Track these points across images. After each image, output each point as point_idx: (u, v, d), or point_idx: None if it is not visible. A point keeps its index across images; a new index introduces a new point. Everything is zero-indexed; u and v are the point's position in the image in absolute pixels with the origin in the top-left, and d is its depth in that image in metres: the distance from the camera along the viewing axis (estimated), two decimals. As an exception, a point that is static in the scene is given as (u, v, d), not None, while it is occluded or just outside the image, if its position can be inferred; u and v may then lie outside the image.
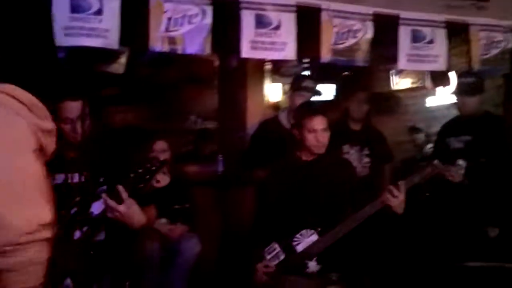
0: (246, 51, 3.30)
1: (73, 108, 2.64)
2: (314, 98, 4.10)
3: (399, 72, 6.68)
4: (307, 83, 4.00)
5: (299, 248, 2.99)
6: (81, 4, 3.04)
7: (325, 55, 3.45)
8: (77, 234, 2.53)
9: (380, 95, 7.08)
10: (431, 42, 3.62)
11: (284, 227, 3.05)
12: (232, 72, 4.37)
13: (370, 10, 3.49)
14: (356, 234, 2.97)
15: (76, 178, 2.61)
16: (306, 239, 2.98)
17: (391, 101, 7.03)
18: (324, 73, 6.46)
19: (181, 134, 6.17)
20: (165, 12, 3.16)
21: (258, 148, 4.01)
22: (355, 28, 3.46)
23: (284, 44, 3.35)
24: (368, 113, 4.37)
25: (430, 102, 6.76)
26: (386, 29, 3.57)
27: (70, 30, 3.05)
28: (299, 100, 3.73)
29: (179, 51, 3.21)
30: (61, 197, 2.51)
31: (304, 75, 4.71)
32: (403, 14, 3.54)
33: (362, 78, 6.44)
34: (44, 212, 1.51)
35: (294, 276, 2.96)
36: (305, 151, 3.12)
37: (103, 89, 5.47)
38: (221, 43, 3.40)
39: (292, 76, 4.55)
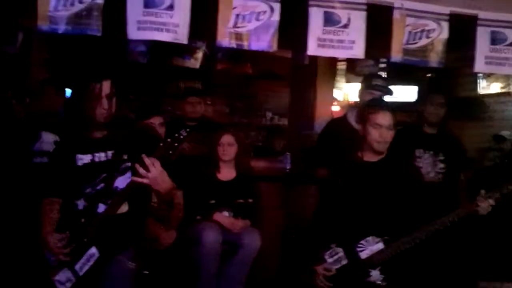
0: (313, 49, 3.26)
1: (103, 87, 2.72)
2: (385, 98, 4.01)
3: (487, 76, 6.39)
4: (378, 82, 3.95)
5: (363, 255, 2.92)
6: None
7: (396, 55, 3.35)
8: (101, 207, 2.68)
9: (464, 99, 6.79)
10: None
11: (348, 232, 2.99)
12: (302, 69, 4.35)
13: (446, 10, 3.34)
14: (425, 246, 2.87)
15: (102, 156, 2.72)
16: (371, 247, 2.91)
17: (476, 106, 6.70)
18: (403, 74, 6.33)
19: (256, 129, 6.25)
20: (234, 8, 3.20)
21: (325, 147, 3.98)
22: (429, 28, 3.33)
23: (353, 43, 3.28)
24: (445, 117, 4.19)
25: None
26: (463, 30, 3.41)
27: (142, 25, 3.16)
28: (368, 98, 3.67)
29: (245, 47, 3.23)
30: (88, 175, 2.69)
31: (376, 74, 4.61)
32: (482, 14, 3.37)
33: (444, 81, 6.22)
34: None
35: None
36: (367, 151, 3.05)
37: (181, 82, 5.69)
38: (289, 40, 3.39)
39: (365, 75, 4.48)
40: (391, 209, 2.95)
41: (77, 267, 2.67)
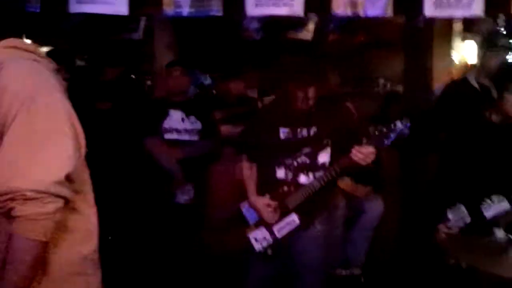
0: (430, 10, 3.24)
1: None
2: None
3: None
4: (502, 42, 3.80)
5: (488, 214, 2.90)
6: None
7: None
8: (302, 178, 2.92)
9: None
10: None
11: (472, 191, 2.98)
12: (417, 33, 4.28)
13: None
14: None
15: (304, 132, 2.94)
16: (496, 206, 2.89)
17: None
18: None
19: (371, 97, 6.18)
20: (347, -24, 3.25)
21: (445, 110, 3.91)
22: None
23: (472, 0, 3.21)
24: None
25: None
26: None
27: (260, 1, 3.30)
28: (493, 60, 3.56)
29: (361, 15, 3.27)
30: (288, 147, 2.93)
31: (499, 32, 4.41)
32: None
33: None
34: (62, 167, 1.44)
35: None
36: (497, 113, 3.00)
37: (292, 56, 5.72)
38: (404, 4, 3.37)
39: (485, 34, 4.31)
40: None
41: (275, 228, 2.94)
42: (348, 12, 3.29)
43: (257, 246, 2.96)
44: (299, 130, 2.93)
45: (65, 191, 1.45)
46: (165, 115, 4.02)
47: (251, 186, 3.06)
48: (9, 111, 1.40)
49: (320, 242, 2.97)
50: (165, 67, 4.25)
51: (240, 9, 3.30)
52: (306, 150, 2.92)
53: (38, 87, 1.47)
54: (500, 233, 2.83)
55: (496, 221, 2.87)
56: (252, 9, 3.28)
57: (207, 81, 6.45)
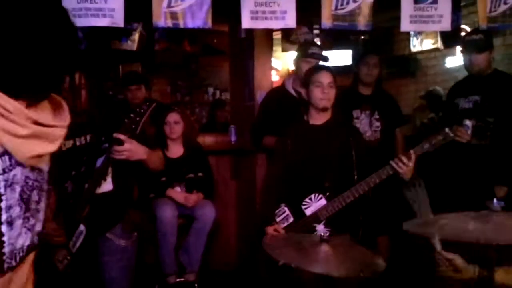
0: (247, 22, 3.37)
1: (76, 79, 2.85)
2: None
3: (418, 34, 6.62)
4: (314, 50, 4.03)
5: (308, 212, 3.09)
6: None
7: (326, 21, 3.49)
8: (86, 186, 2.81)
9: (398, 58, 7.04)
10: (434, 2, 3.61)
11: (294, 191, 3.14)
12: (240, 42, 4.44)
13: (370, -27, 3.49)
14: (365, 199, 3.06)
15: (82, 140, 2.85)
16: (315, 203, 3.07)
17: (410, 64, 6.97)
18: (337, 39, 6.49)
19: (200, 106, 6.30)
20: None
21: (267, 116, 4.10)
22: (355, -7, 3.48)
23: (284, 13, 3.40)
24: (379, 77, 4.36)
25: (450, 63, 6.66)
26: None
27: (77, 12, 3.18)
28: (306, 67, 3.78)
29: (181, 26, 3.30)
30: (71, 159, 2.79)
31: (311, 42, 4.73)
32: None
33: (378, 42, 6.43)
34: None
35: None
36: (312, 112, 3.20)
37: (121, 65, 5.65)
38: (224, 16, 3.46)
39: (300, 44, 4.58)
40: (334, 168, 3.12)
41: (70, 245, 2.83)
42: (169, 23, 3.30)
43: (60, 266, 2.88)
44: (78, 139, 2.90)
45: None
46: None
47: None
48: None
49: (118, 257, 2.97)
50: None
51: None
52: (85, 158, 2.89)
53: None
54: (321, 228, 3.04)
55: (317, 217, 3.06)
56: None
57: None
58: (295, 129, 3.28)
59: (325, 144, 3.15)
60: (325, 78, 3.13)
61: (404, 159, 2.95)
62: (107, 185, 2.82)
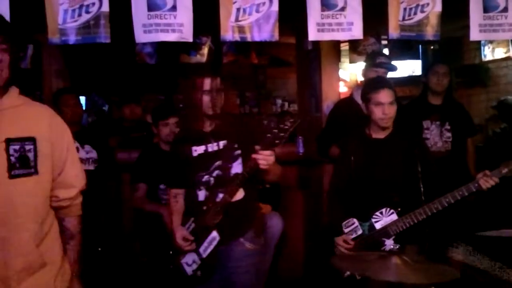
0: (313, 34, 3.38)
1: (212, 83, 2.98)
2: (390, 74, 4.12)
3: (489, 43, 6.44)
4: (381, 59, 4.02)
5: (378, 225, 3.07)
6: (158, 2, 3.28)
7: (394, 31, 3.45)
8: (220, 196, 2.90)
9: (468, 67, 6.85)
10: (504, 10, 3.51)
11: (362, 205, 3.14)
12: (307, 54, 4.47)
13: (439, -17, 3.43)
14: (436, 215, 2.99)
15: (214, 147, 2.96)
16: (385, 218, 3.06)
17: (481, 73, 6.76)
18: (405, 49, 6.39)
19: (268, 116, 6.36)
20: (234, 2, 3.33)
21: (334, 126, 4.10)
22: (422, 2, 3.42)
23: (351, 24, 3.38)
24: (449, 87, 4.28)
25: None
26: (456, 1, 3.50)
27: (148, 27, 3.30)
28: (373, 76, 3.78)
29: (249, 39, 3.36)
30: (201, 164, 2.93)
31: (379, 52, 4.70)
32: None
33: (447, 52, 6.28)
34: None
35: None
36: (373, 126, 3.18)
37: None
38: (291, 28, 3.50)
39: (368, 54, 4.57)
40: (400, 182, 3.09)
41: (201, 249, 2.96)
42: (236, 36, 3.37)
43: (188, 270, 3.02)
44: (209, 145, 2.98)
45: None
46: None
47: (174, 217, 3.11)
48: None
49: (248, 261, 2.98)
50: (54, 95, 4.13)
51: (128, 35, 3.28)
52: (219, 163, 2.95)
53: None
54: (389, 243, 3.03)
55: (386, 232, 3.04)
56: (141, 35, 3.27)
57: (105, 106, 6.33)
58: (356, 143, 3.27)
59: (388, 158, 3.13)
60: (385, 98, 3.10)
61: (495, 179, 2.87)
62: (240, 193, 2.89)
